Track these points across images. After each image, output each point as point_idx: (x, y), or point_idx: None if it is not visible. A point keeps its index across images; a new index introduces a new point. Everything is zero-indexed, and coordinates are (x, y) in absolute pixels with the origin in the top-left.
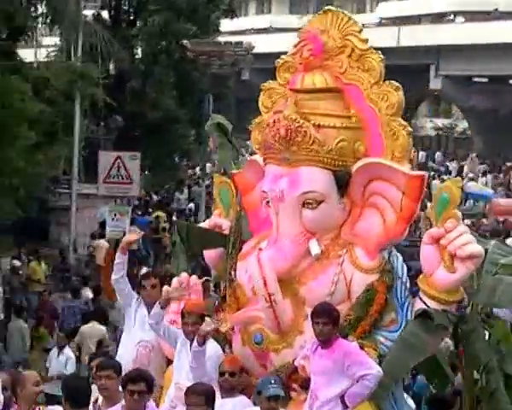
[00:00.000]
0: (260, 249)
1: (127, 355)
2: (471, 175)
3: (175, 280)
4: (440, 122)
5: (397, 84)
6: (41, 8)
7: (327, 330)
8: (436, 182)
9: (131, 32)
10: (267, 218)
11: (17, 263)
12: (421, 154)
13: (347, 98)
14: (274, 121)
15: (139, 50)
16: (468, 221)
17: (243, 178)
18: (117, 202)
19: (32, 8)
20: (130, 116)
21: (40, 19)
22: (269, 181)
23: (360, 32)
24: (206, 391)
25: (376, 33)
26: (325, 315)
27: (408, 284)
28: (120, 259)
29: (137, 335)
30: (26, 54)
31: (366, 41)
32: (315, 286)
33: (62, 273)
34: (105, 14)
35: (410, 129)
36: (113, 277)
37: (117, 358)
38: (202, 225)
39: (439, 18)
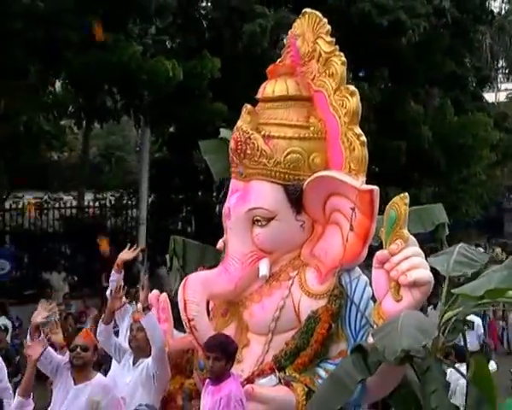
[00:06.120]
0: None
1: None
2: None
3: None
4: None
5: (352, 88)
6: (501, 62)
7: (217, 367)
8: None
9: None
10: None
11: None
12: None
13: (315, 107)
14: (233, 134)
15: None
16: None
17: None
18: None
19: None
20: None
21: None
22: (228, 196)
23: (327, 33)
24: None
25: None
26: (218, 349)
27: (368, 312)
28: (114, 277)
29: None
30: (490, 97)
31: (332, 43)
32: (258, 310)
33: None
34: None
35: (363, 139)
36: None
37: None
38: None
39: None
